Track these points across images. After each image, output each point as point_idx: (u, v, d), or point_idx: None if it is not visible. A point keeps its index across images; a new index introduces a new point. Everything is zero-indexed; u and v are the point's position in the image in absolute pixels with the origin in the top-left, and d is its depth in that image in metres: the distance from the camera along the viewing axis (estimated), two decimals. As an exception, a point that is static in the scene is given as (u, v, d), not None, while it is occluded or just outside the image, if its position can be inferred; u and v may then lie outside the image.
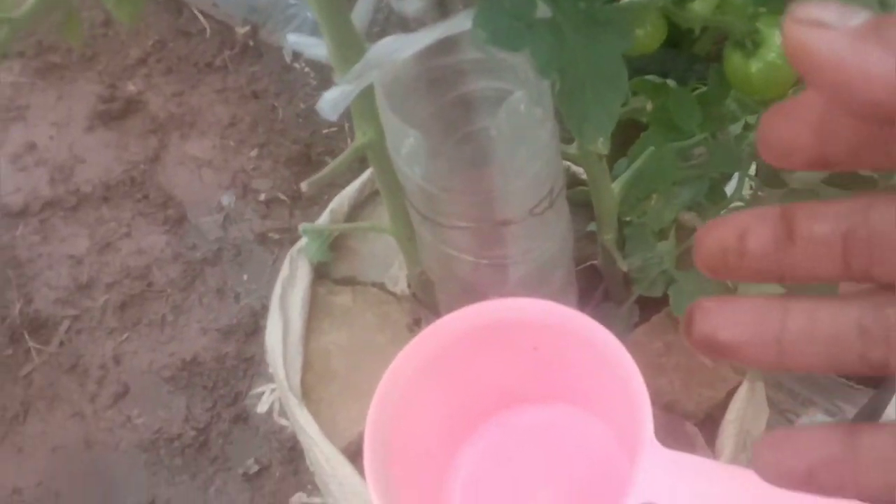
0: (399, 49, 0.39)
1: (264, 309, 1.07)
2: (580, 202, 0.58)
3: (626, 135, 0.54)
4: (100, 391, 1.10)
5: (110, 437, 1.07)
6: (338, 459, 0.54)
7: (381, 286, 0.64)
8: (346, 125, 1.24)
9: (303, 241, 0.64)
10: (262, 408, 1.05)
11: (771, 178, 0.54)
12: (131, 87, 1.37)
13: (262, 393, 1.06)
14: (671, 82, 0.53)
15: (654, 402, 0.42)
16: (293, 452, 1.02)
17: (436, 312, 0.59)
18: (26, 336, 1.15)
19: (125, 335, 1.14)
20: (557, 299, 0.47)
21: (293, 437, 1.00)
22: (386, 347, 0.60)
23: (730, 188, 0.58)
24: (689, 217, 0.61)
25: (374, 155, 0.49)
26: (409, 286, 0.63)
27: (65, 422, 1.09)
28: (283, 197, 1.24)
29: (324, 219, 0.65)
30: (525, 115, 0.42)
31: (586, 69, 0.37)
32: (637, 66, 0.51)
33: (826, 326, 0.19)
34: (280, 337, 0.59)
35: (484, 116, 0.45)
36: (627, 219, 0.58)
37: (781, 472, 0.20)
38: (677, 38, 0.63)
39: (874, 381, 0.80)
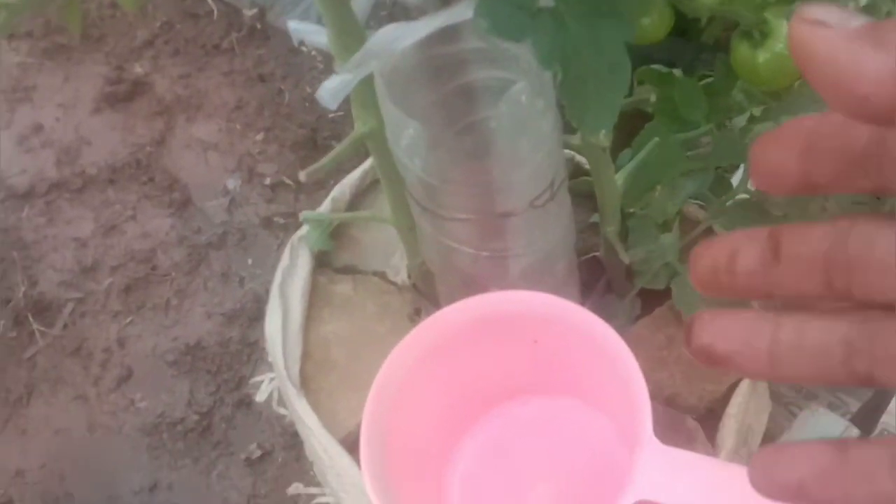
0: (400, 38, 0.38)
1: (269, 294, 1.07)
2: (583, 193, 0.57)
3: (631, 125, 0.54)
4: (103, 374, 1.10)
5: (113, 420, 1.07)
6: (336, 450, 0.54)
7: (383, 276, 0.64)
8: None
9: (304, 229, 0.63)
10: (261, 396, 1.05)
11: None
12: (138, 69, 1.36)
13: (262, 381, 1.06)
14: (677, 72, 0.53)
15: (655, 396, 0.41)
16: (296, 438, 1.02)
17: (436, 303, 0.59)
18: (30, 318, 1.15)
19: (129, 318, 1.14)
20: (559, 291, 0.46)
21: (296, 423, 0.99)
22: (386, 337, 0.60)
23: (735, 179, 0.58)
24: (693, 209, 0.60)
25: (375, 145, 0.48)
26: (409, 276, 0.63)
27: (68, 405, 1.09)
28: (288, 181, 1.23)
29: (325, 207, 0.65)
30: (526, 105, 0.42)
31: (589, 60, 0.36)
32: (643, 55, 0.50)
33: (814, 340, 0.21)
34: (279, 326, 0.59)
35: (485, 107, 0.44)
36: (631, 210, 0.57)
37: (774, 485, 0.21)
38: (685, 26, 0.62)
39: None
